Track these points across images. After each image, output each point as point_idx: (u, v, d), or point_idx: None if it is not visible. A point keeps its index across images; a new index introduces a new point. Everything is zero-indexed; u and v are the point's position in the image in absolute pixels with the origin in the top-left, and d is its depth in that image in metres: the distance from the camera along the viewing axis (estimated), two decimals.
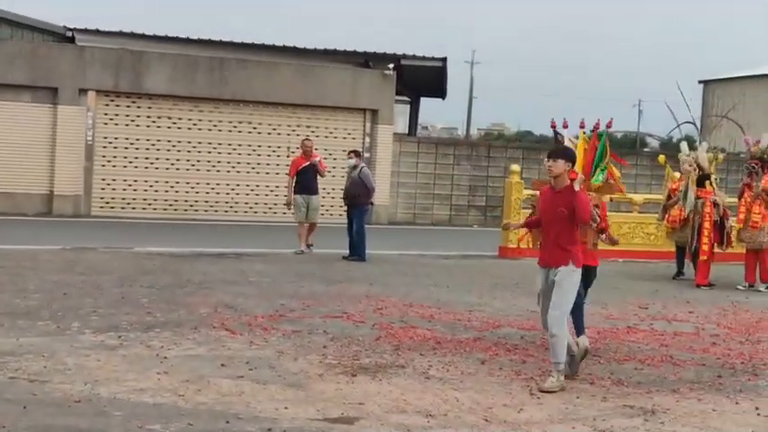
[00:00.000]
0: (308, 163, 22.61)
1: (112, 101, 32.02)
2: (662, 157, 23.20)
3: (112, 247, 20.81)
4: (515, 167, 25.76)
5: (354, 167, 22.11)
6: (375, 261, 20.98)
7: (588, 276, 11.51)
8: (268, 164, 33.70)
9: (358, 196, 21.89)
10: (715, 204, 20.09)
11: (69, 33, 33.08)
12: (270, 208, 33.56)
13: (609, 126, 12.10)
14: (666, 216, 21.38)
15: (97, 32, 33.17)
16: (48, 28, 33.38)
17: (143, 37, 33.54)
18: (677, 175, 21.65)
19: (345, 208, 22.58)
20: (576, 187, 10.13)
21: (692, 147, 21.50)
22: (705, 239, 19.98)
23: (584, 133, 12.08)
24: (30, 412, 8.12)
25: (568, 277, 10.24)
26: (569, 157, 10.47)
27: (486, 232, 31.08)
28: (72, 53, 31.74)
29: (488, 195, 37.43)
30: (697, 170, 20.37)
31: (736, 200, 20.60)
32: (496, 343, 12.39)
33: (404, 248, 24.36)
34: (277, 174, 33.11)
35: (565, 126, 12.08)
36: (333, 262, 20.95)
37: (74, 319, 12.64)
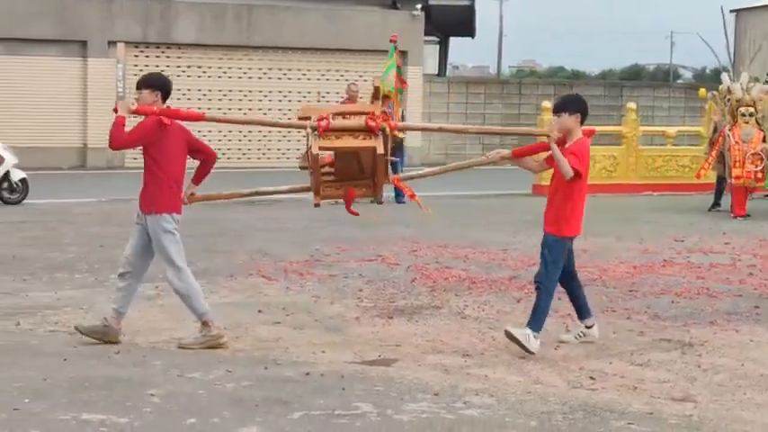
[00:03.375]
0: None
1: (142, 52, 32.07)
2: (702, 91, 22.99)
3: None
4: (547, 104, 25.60)
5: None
6: (409, 203, 20.93)
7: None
8: (299, 110, 33.58)
9: (401, 139, 21.86)
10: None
11: None
12: (303, 153, 33.52)
13: (393, 41, 10.30)
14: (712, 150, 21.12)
15: None
16: None
17: None
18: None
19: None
20: (120, 111, 8.84)
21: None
22: (736, 169, 19.80)
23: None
24: (70, 364, 8.21)
25: (154, 225, 9.01)
26: (151, 84, 9.08)
27: (519, 171, 30.88)
28: (100, 5, 31.75)
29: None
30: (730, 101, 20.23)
31: None
32: (531, 281, 12.37)
33: (437, 189, 24.28)
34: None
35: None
36: (365, 206, 20.93)
37: (111, 270, 12.68)
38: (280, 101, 33.55)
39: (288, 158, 33.46)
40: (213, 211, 19.23)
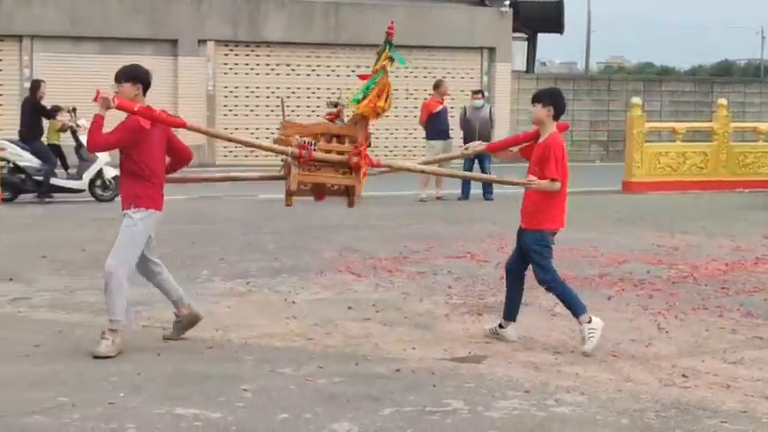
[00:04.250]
0: (441, 107, 22.25)
1: (231, 50, 32.35)
2: None
3: (238, 195, 21.04)
4: (636, 100, 25.41)
5: (481, 107, 21.99)
6: (497, 200, 20.94)
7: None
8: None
9: (490, 136, 21.84)
10: None
11: None
12: (390, 151, 33.64)
13: (390, 33, 9.56)
14: None
15: None
16: None
17: None
18: None
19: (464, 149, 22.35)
20: (98, 111, 8.41)
21: None
22: None
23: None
24: (164, 359, 8.31)
25: (126, 219, 8.62)
26: (132, 76, 8.66)
27: (608, 167, 30.78)
28: (190, 5, 32.11)
29: (610, 130, 37.06)
30: None
31: None
32: (622, 278, 12.31)
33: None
34: (396, 117, 33.12)
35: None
36: (453, 203, 20.97)
37: (203, 266, 12.86)
38: None
39: (375, 155, 33.49)
40: (298, 207, 19.34)
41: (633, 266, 13.16)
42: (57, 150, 21.26)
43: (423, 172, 10.13)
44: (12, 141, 20.57)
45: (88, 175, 20.39)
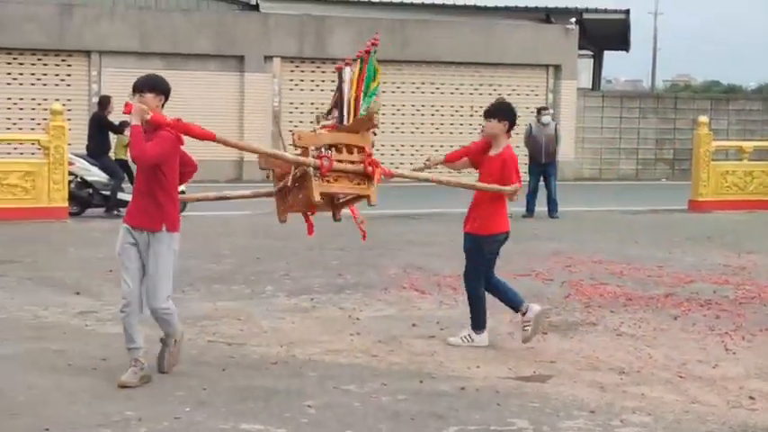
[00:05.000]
0: None
1: (297, 66, 32.50)
2: None
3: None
4: (703, 119, 25.19)
5: (547, 124, 21.91)
6: (562, 218, 20.85)
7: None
8: (452, 124, 33.76)
9: (555, 152, 21.80)
10: None
11: (254, 1, 33.61)
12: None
13: (374, 44, 9.21)
14: None
15: None
16: None
17: (325, 2, 33.91)
18: None
19: (529, 166, 22.23)
20: (133, 121, 7.90)
21: None
22: None
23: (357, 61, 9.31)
24: (228, 374, 8.36)
25: (158, 244, 8.13)
26: (155, 87, 8.20)
27: (674, 186, 30.56)
28: (257, 21, 32.32)
29: (676, 148, 36.81)
30: None
31: None
32: (689, 298, 12.20)
33: (591, 205, 24.14)
34: (460, 134, 33.15)
35: (347, 64, 9.30)
36: (517, 220, 20.89)
37: (267, 282, 12.91)
38: (432, 115, 33.67)
39: (440, 173, 33.51)
40: (366, 224, 19.35)
41: (699, 286, 13.05)
42: (124, 165, 21.44)
43: (428, 180, 10.16)
44: (80, 156, 20.79)
45: None
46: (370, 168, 8.82)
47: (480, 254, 9.64)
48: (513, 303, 9.76)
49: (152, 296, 8.09)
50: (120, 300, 8.22)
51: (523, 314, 9.57)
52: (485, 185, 9.64)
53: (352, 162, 8.81)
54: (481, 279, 9.67)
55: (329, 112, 9.47)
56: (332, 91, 9.74)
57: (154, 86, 8.13)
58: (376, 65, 9.17)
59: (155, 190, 8.05)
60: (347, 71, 9.18)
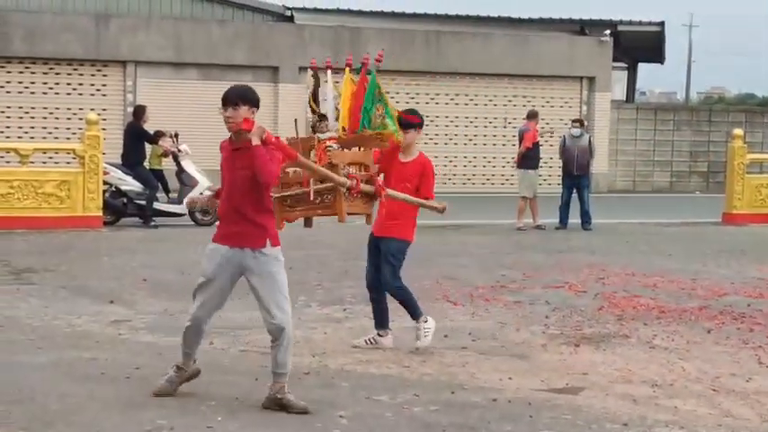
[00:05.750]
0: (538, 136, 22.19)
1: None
2: None
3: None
4: (738, 131, 25.11)
5: (580, 136, 21.84)
6: (595, 230, 20.79)
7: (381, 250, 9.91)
8: (485, 135, 33.76)
9: (589, 165, 21.77)
10: None
11: (288, 12, 33.71)
12: (488, 179, 33.64)
13: (378, 60, 9.51)
14: None
15: (315, 10, 33.85)
16: (267, 8, 34.01)
17: (360, 13, 34.02)
18: None
19: (563, 178, 22.14)
20: (255, 141, 7.55)
21: None
22: None
23: (350, 72, 9.76)
24: (261, 384, 8.34)
25: (271, 264, 8.07)
26: (250, 99, 7.81)
27: (708, 198, 30.44)
28: (291, 32, 32.44)
29: (710, 161, 36.67)
30: None
31: None
32: (722, 311, 12.14)
33: (624, 217, 24.08)
34: (494, 145, 33.18)
35: (329, 67, 9.87)
36: (551, 232, 20.85)
37: (300, 292, 12.90)
38: (466, 126, 33.68)
39: (473, 184, 33.53)
40: None
41: (733, 299, 12.98)
42: (159, 175, 21.55)
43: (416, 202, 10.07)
44: (114, 165, 20.92)
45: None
46: (380, 190, 8.97)
47: (393, 256, 9.81)
48: (383, 321, 10.03)
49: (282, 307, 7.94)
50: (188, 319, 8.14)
51: (378, 336, 9.98)
52: (419, 200, 9.64)
53: (367, 182, 8.93)
54: (400, 277, 9.85)
55: (321, 118, 9.54)
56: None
57: (247, 98, 7.75)
58: (378, 82, 9.43)
59: (258, 206, 7.79)
60: (329, 74, 9.70)
